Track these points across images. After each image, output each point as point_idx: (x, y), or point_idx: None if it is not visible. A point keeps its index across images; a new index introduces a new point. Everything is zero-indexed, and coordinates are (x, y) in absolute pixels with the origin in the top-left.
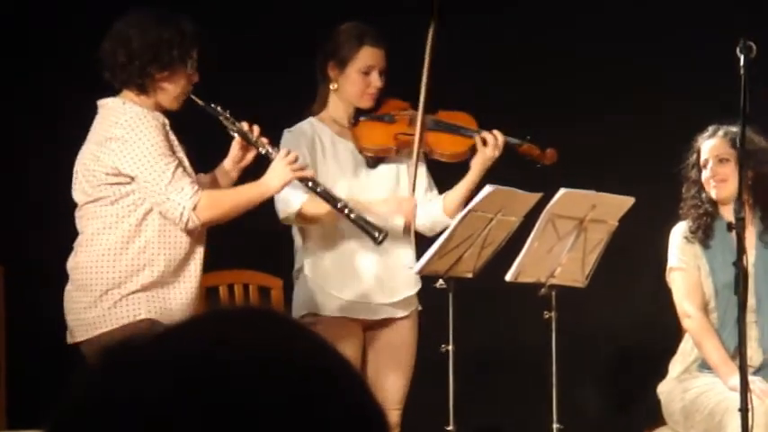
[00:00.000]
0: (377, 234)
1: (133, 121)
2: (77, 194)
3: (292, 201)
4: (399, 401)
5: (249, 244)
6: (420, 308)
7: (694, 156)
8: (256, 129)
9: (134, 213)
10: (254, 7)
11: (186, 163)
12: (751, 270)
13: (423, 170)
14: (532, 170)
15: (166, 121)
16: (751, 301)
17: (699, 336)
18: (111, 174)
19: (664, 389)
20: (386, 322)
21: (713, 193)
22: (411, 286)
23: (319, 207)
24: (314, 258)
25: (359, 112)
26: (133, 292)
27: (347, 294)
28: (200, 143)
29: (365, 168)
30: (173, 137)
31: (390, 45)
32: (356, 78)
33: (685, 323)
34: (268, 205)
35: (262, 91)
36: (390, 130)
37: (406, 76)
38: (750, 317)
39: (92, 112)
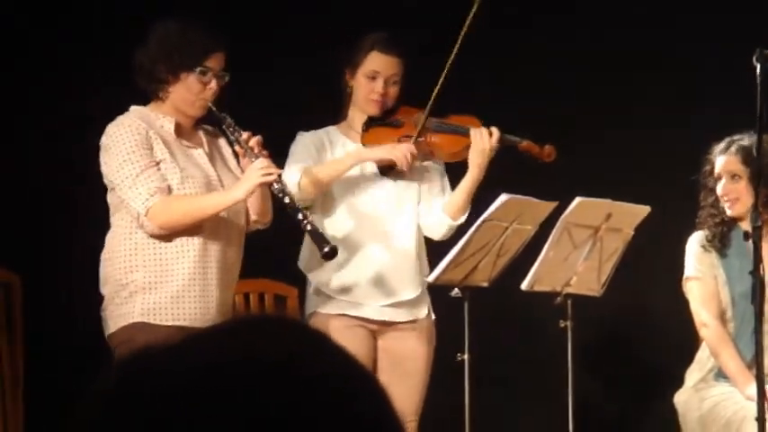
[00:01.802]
0: (325, 247)
1: (112, 128)
2: None
3: (291, 180)
4: (414, 412)
5: (265, 253)
6: (434, 317)
7: (710, 166)
8: (254, 139)
9: (128, 219)
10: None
11: (171, 167)
12: (765, 280)
13: (438, 174)
14: (548, 179)
15: (167, 125)
16: (766, 311)
17: (716, 345)
18: (108, 181)
19: (680, 398)
20: (392, 329)
21: (727, 212)
22: (411, 289)
23: (318, 173)
24: (315, 255)
25: (372, 120)
26: (129, 296)
27: (348, 292)
28: None
29: (375, 173)
30: (159, 143)
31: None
32: (363, 83)
33: (702, 332)
34: (283, 214)
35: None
36: (396, 134)
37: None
38: (767, 327)
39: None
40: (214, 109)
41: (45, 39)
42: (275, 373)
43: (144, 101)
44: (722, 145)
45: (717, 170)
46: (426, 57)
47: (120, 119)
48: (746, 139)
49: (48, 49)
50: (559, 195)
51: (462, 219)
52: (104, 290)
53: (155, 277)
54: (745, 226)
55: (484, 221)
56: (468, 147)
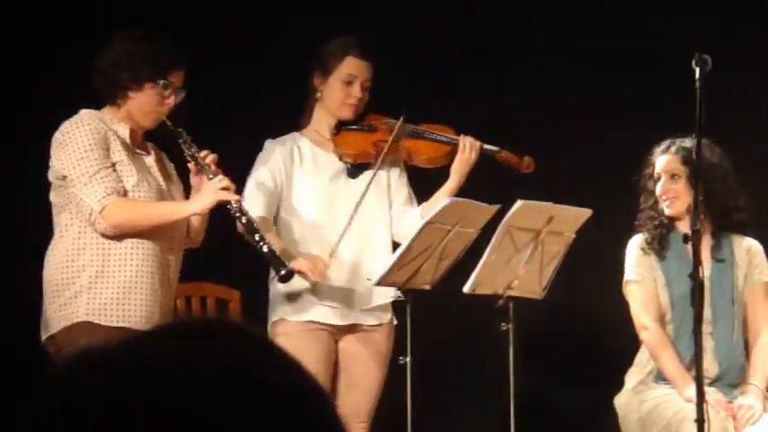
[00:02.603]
0: (281, 270)
1: (70, 125)
2: None
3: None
4: (367, 414)
5: (206, 256)
6: (396, 322)
7: (650, 168)
8: (210, 157)
9: (77, 219)
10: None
11: (128, 169)
12: (706, 282)
13: (403, 181)
14: (489, 182)
15: (122, 130)
16: (706, 312)
17: (655, 347)
18: (57, 177)
19: (620, 400)
20: (358, 332)
21: (666, 210)
22: (384, 295)
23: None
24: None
25: (342, 124)
26: (74, 296)
27: (318, 299)
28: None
29: (344, 178)
30: (116, 144)
31: (380, 58)
32: (337, 87)
33: (642, 335)
34: (228, 217)
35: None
36: (370, 138)
37: (393, 90)
38: (705, 328)
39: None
40: (169, 123)
41: (45, 39)
42: (227, 377)
43: (96, 105)
44: (663, 146)
45: (657, 170)
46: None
47: (78, 117)
48: (688, 141)
49: (48, 48)
50: (501, 198)
51: None
52: (47, 290)
53: (101, 278)
54: (684, 228)
55: (426, 224)
56: (447, 154)
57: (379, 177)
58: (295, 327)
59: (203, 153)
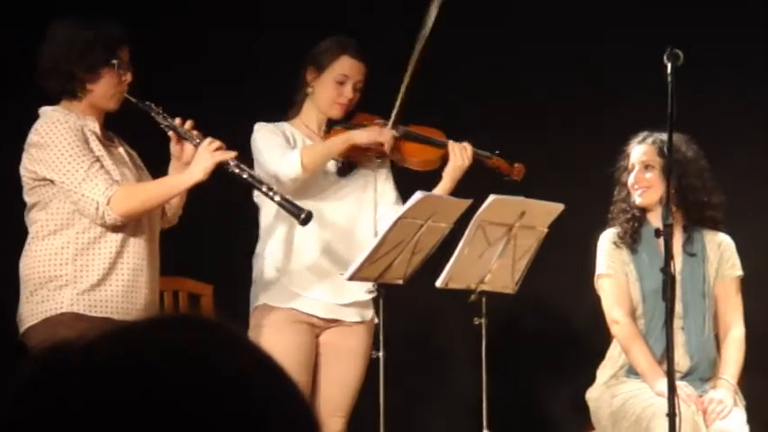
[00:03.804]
0: (301, 214)
1: (47, 126)
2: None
3: (291, 160)
4: (344, 408)
5: (179, 251)
6: (377, 320)
7: (626, 160)
8: (188, 123)
9: (60, 215)
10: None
11: (110, 164)
12: (678, 277)
13: (390, 184)
14: (463, 176)
15: (91, 125)
16: (678, 307)
17: (626, 342)
18: (35, 179)
19: (592, 395)
20: (339, 328)
21: (637, 200)
22: (364, 293)
23: (314, 152)
24: (273, 248)
25: (334, 122)
26: (58, 288)
27: (301, 288)
28: (150, 151)
29: (334, 174)
30: (93, 139)
31: (373, 59)
32: (330, 85)
33: (614, 329)
34: (201, 212)
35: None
36: None
37: (382, 91)
38: (677, 323)
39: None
40: (134, 99)
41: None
42: (194, 371)
43: (49, 102)
44: (639, 137)
45: (632, 161)
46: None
47: (51, 117)
48: (665, 134)
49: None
50: (474, 193)
51: None
52: (27, 285)
53: (85, 270)
54: (655, 221)
55: (399, 219)
56: (440, 157)
57: (366, 177)
58: (278, 314)
59: (178, 121)
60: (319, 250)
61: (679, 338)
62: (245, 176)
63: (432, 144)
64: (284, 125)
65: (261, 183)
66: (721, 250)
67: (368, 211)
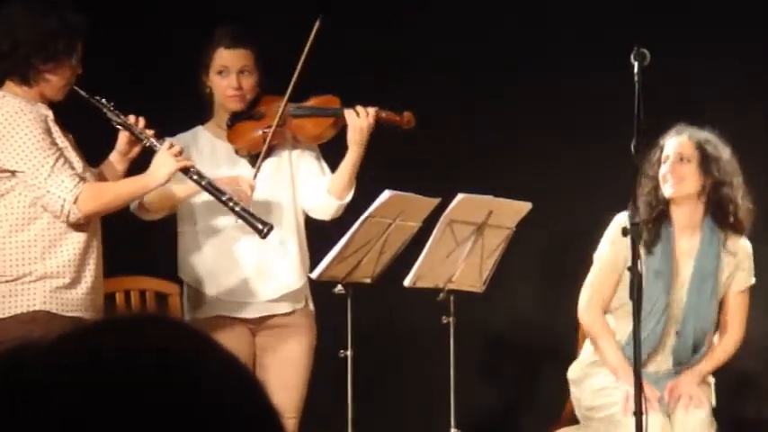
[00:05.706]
0: (261, 227)
1: (10, 115)
2: None
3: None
4: (294, 409)
5: (146, 249)
6: (312, 308)
7: (657, 153)
8: (141, 121)
9: (20, 208)
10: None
11: (72, 155)
12: (685, 281)
13: (311, 155)
14: (430, 176)
15: (49, 114)
16: (677, 312)
17: (594, 335)
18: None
19: (574, 375)
20: (273, 327)
21: (667, 191)
22: (295, 279)
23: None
24: (187, 257)
25: (235, 116)
26: (28, 284)
27: (223, 293)
28: (85, 136)
29: (247, 167)
30: (55, 129)
31: (276, 43)
32: (216, 81)
33: (582, 318)
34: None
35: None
36: (258, 126)
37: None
38: (672, 327)
39: None
40: (84, 93)
41: None
42: (158, 372)
43: None
44: (675, 129)
45: (666, 152)
46: (289, 41)
47: (14, 105)
48: (702, 132)
49: None
50: (442, 192)
51: (349, 197)
52: None
53: (56, 268)
54: (678, 220)
55: (367, 218)
56: (331, 126)
57: (280, 158)
58: (207, 324)
59: (132, 118)
60: (238, 251)
61: (669, 342)
62: (203, 184)
63: (322, 115)
64: (195, 132)
65: (221, 192)
66: (738, 258)
67: (283, 188)
